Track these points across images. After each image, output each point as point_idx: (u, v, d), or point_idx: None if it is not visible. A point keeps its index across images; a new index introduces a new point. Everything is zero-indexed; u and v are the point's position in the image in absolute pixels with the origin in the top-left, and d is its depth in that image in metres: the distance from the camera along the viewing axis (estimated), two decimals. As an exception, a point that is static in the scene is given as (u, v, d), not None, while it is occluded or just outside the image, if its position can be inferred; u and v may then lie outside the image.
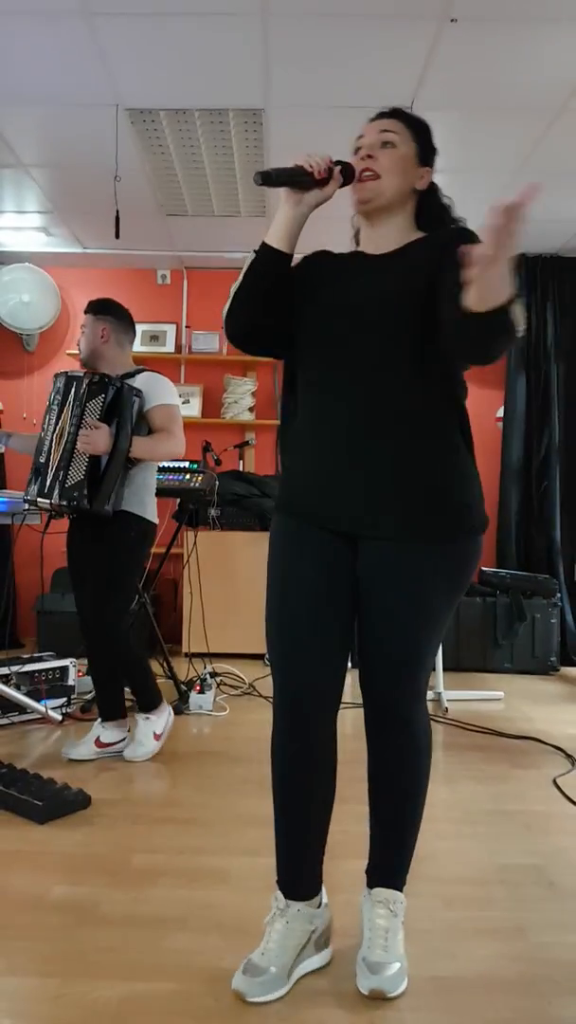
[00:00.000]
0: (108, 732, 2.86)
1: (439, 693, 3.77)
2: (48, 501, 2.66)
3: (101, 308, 2.87)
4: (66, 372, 2.75)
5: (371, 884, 1.64)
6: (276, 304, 1.56)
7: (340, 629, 1.56)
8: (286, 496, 1.61)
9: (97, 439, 2.58)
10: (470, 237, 1.50)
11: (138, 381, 2.77)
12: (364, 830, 1.65)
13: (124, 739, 2.87)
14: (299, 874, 1.60)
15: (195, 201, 4.24)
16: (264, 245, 1.54)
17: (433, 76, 3.01)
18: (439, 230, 1.61)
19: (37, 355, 5.27)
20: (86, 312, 2.89)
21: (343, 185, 1.55)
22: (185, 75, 3.06)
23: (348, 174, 1.54)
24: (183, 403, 5.12)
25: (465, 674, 4.44)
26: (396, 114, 1.65)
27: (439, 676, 3.85)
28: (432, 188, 1.67)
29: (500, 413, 5.09)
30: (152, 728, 2.87)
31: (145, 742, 2.84)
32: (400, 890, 1.64)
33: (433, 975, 1.58)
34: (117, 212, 3.60)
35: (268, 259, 1.54)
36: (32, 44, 2.87)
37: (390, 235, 1.61)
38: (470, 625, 4.56)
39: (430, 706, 3.69)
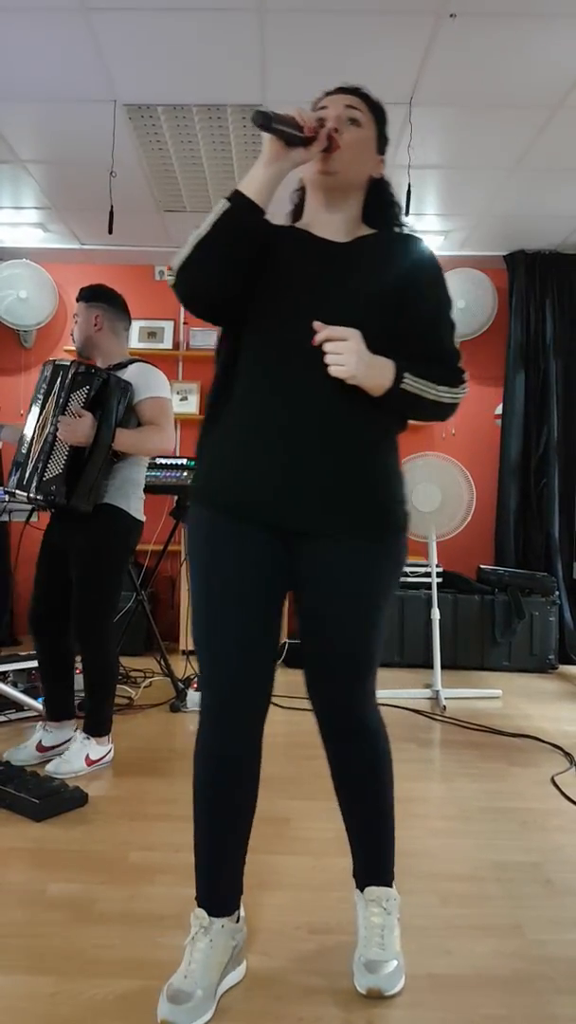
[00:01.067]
0: (51, 735, 2.75)
1: (437, 691, 3.77)
2: (26, 494, 2.57)
3: (93, 295, 2.78)
4: (53, 360, 2.65)
5: (360, 885, 1.63)
6: (241, 264, 1.42)
7: (271, 632, 1.50)
8: (211, 487, 1.49)
9: (78, 428, 2.47)
10: (431, 263, 1.52)
11: (129, 372, 2.68)
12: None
13: (110, 751, 2.74)
14: (222, 889, 1.53)
15: (193, 197, 4.23)
16: (238, 193, 1.40)
17: (431, 72, 3.00)
18: (395, 232, 1.58)
19: (34, 351, 5.26)
20: (78, 300, 2.79)
21: (325, 151, 1.45)
22: (183, 71, 3.05)
23: (331, 140, 1.46)
24: (180, 400, 5.18)
25: (463, 672, 4.44)
26: (359, 92, 1.56)
27: (437, 674, 3.85)
28: (385, 181, 1.60)
29: (499, 410, 5.08)
30: (88, 751, 2.66)
31: (74, 761, 2.62)
32: (390, 885, 1.62)
33: (429, 972, 1.58)
34: (112, 208, 3.59)
35: (242, 210, 1.39)
36: (29, 40, 2.86)
37: (343, 221, 1.53)
38: (468, 623, 4.56)
39: (427, 704, 3.71)
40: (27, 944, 1.65)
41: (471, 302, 5.00)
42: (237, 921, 1.54)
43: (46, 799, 2.30)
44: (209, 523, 1.48)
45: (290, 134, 1.39)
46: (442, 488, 4.04)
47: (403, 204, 1.64)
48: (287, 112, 1.39)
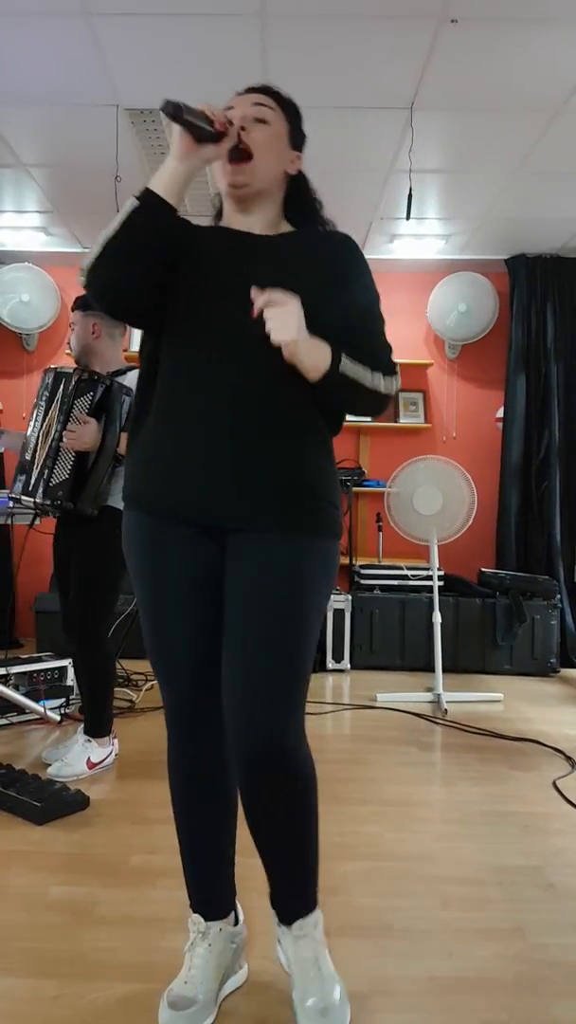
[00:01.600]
0: (97, 750, 2.72)
1: (438, 694, 3.77)
2: (32, 499, 2.59)
3: (89, 304, 2.75)
4: (55, 368, 2.68)
5: (284, 920, 1.47)
6: (152, 262, 1.38)
7: (215, 628, 1.43)
8: (139, 488, 1.45)
9: (84, 434, 2.51)
10: (357, 257, 1.47)
11: (129, 379, 2.71)
12: (363, 830, 1.65)
13: (111, 753, 2.75)
14: (214, 892, 1.52)
15: (195, 201, 4.23)
16: (148, 191, 1.37)
17: (432, 76, 3.01)
18: (318, 230, 1.54)
19: (37, 355, 5.27)
20: (73, 309, 2.83)
21: (236, 160, 1.42)
22: (185, 75, 3.06)
23: (243, 145, 1.43)
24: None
25: (464, 675, 4.43)
26: (267, 90, 1.52)
27: (438, 677, 3.85)
28: (302, 178, 1.55)
29: (500, 413, 5.08)
30: (89, 754, 2.67)
31: (76, 764, 2.63)
32: (315, 908, 1.48)
33: (430, 975, 1.58)
34: (118, 211, 3.60)
35: (152, 208, 1.37)
36: (32, 45, 2.87)
37: (261, 223, 1.50)
38: (469, 626, 4.55)
39: (428, 707, 3.70)
40: (29, 947, 1.65)
41: (472, 306, 5.00)
42: (236, 924, 1.54)
43: (47, 802, 2.30)
44: (141, 529, 1.45)
45: (200, 128, 1.35)
46: (443, 491, 4.04)
47: (321, 201, 1.56)
48: (198, 106, 1.35)
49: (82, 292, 2.82)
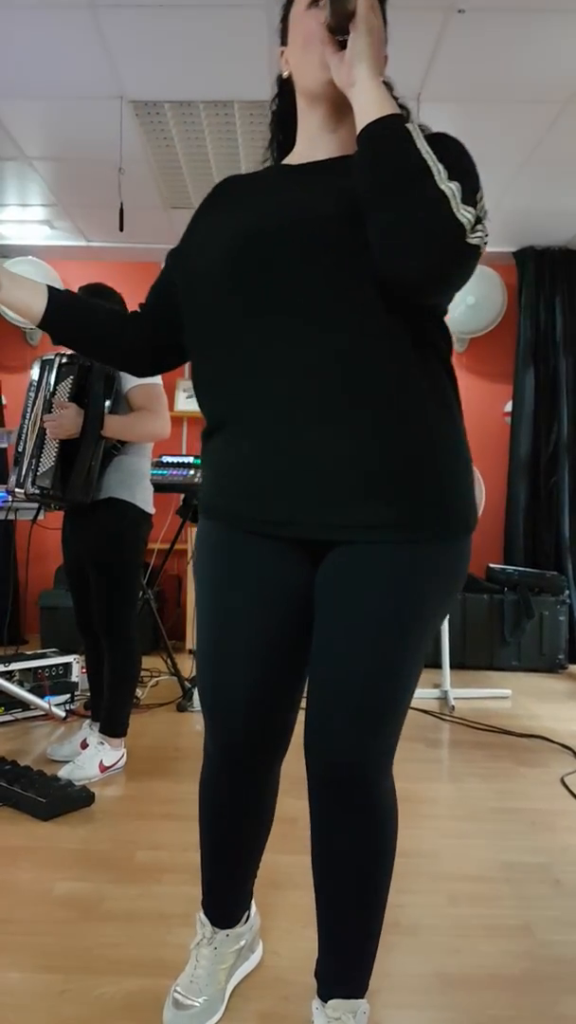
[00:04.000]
0: (110, 752, 2.67)
1: (445, 691, 3.76)
2: (23, 491, 2.57)
3: (90, 293, 2.78)
4: (40, 357, 2.66)
5: (325, 995, 1.27)
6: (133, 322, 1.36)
7: (292, 670, 1.24)
8: (214, 501, 1.23)
9: (64, 420, 2.47)
10: (454, 143, 1.10)
11: None
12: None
13: (122, 756, 2.72)
14: (227, 906, 1.46)
15: (200, 194, 4.22)
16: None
17: (439, 68, 2.98)
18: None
19: (40, 349, 5.26)
20: None
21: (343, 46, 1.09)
22: (190, 67, 3.04)
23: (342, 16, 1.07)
24: (186, 397, 5.17)
25: (472, 672, 4.42)
26: None
27: (446, 673, 3.84)
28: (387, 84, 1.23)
29: (508, 408, 5.06)
30: (101, 756, 2.62)
31: (87, 767, 2.58)
32: (362, 996, 1.27)
33: (438, 972, 1.57)
34: (121, 205, 3.59)
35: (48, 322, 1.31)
36: (36, 37, 2.86)
37: (349, 137, 1.17)
38: (477, 622, 4.53)
39: (435, 704, 3.69)
40: (35, 942, 1.65)
41: (480, 298, 4.97)
42: (245, 922, 1.51)
43: (53, 798, 2.30)
44: (218, 535, 1.23)
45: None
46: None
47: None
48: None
49: (91, 281, 2.84)
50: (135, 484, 2.68)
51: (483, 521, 4.15)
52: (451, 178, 1.02)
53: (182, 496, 3.96)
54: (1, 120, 3.45)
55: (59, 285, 5.06)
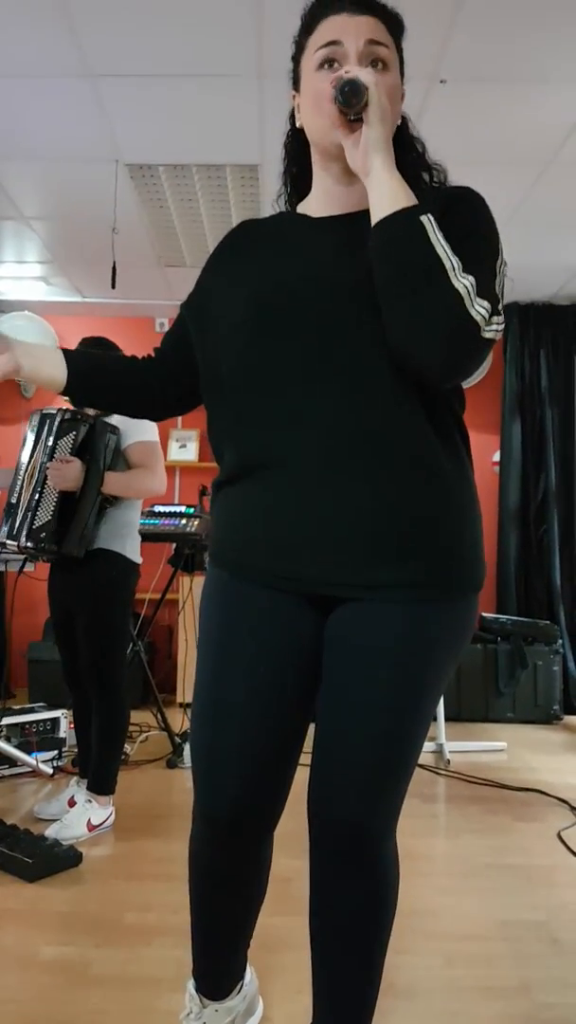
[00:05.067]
0: (83, 791, 2.64)
1: (441, 744, 3.71)
2: (16, 544, 2.57)
3: (89, 346, 2.82)
4: (40, 410, 2.69)
5: None
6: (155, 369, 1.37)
7: (292, 722, 1.19)
8: (226, 554, 1.22)
9: (67, 473, 2.49)
10: (478, 210, 1.12)
11: (116, 417, 2.69)
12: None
13: (111, 814, 2.66)
14: (219, 976, 1.38)
15: (193, 252, 4.32)
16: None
17: (423, 132, 3.07)
18: (432, 183, 1.25)
19: (35, 401, 5.30)
20: None
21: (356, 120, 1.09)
22: (184, 132, 3.15)
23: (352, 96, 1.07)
24: (180, 447, 5.21)
25: (467, 724, 4.37)
26: (376, 9, 1.16)
27: (440, 727, 3.80)
28: (404, 119, 1.24)
29: (496, 457, 5.11)
30: (90, 815, 2.57)
31: (75, 826, 2.52)
32: None
33: (435, 1039, 1.53)
34: (114, 264, 3.66)
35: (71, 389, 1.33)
36: (36, 104, 2.96)
37: (366, 193, 1.12)
38: (471, 673, 4.50)
39: (431, 758, 3.64)
40: (21, 1009, 1.60)
41: (467, 353, 5.06)
42: (239, 992, 1.43)
43: (39, 858, 2.25)
44: (224, 583, 1.21)
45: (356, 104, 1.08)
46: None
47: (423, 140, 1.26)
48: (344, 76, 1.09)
49: (86, 336, 2.89)
50: (126, 535, 2.69)
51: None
52: (466, 270, 1.03)
53: (173, 545, 3.97)
54: (0, 181, 3.54)
55: (54, 339, 5.17)
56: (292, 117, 1.31)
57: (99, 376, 1.37)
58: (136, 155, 3.32)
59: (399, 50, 1.20)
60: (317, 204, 1.25)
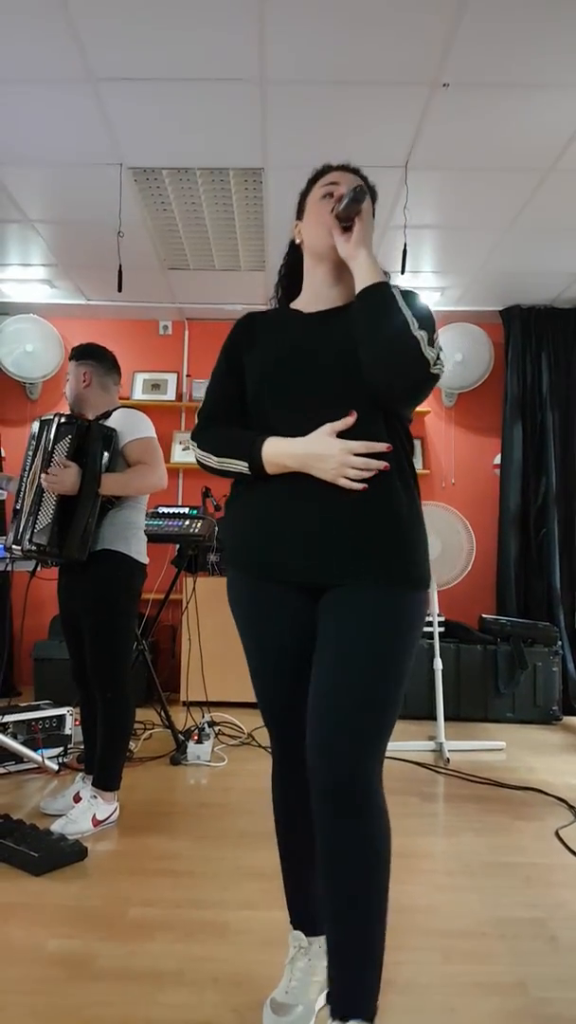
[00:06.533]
0: (103, 806, 2.66)
1: (440, 743, 3.74)
2: (20, 548, 2.62)
3: (82, 353, 2.87)
4: (39, 417, 2.74)
5: (337, 1015, 1.37)
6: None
7: (307, 676, 1.52)
8: (241, 555, 1.59)
9: (64, 477, 2.53)
10: (417, 299, 1.56)
11: (113, 419, 2.74)
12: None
13: (115, 810, 2.71)
14: (311, 908, 1.61)
15: (196, 256, 4.35)
16: (260, 468, 1.53)
17: (426, 137, 3.12)
18: None
19: (40, 403, 5.34)
20: (69, 359, 2.90)
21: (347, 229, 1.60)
22: (187, 137, 3.18)
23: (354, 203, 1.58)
24: (183, 450, 5.24)
25: (466, 724, 4.40)
26: (358, 173, 1.72)
27: (440, 726, 3.83)
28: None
29: (497, 460, 5.14)
30: (95, 811, 2.61)
31: (81, 821, 2.57)
32: (372, 1021, 1.38)
33: (433, 1032, 1.55)
34: (120, 267, 3.69)
35: (253, 472, 1.55)
36: (40, 109, 2.99)
37: (348, 293, 1.61)
38: (471, 673, 4.53)
39: (431, 756, 3.67)
40: (27, 1001, 1.63)
41: (468, 355, 5.10)
42: None
43: (45, 853, 2.28)
44: (245, 587, 1.59)
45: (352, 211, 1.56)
46: (442, 537, 4.06)
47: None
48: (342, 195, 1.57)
49: (90, 339, 2.93)
50: (130, 536, 2.72)
51: (475, 571, 4.21)
52: (420, 327, 1.48)
53: (177, 546, 4.00)
54: (6, 185, 3.57)
55: (58, 343, 5.20)
56: (291, 242, 1.77)
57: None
58: (140, 159, 3.36)
59: (373, 200, 1.70)
60: (307, 301, 1.69)
